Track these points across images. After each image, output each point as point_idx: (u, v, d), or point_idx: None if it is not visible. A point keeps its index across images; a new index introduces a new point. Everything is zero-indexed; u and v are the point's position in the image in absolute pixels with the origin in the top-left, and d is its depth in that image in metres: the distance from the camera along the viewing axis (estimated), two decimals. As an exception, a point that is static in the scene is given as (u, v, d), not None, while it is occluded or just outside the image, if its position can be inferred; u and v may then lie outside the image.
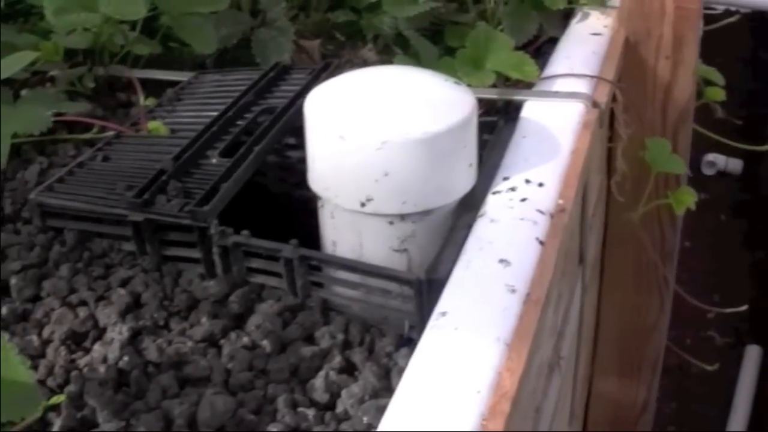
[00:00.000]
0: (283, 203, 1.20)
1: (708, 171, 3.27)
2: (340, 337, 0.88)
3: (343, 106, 0.95)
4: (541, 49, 1.39)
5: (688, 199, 1.34)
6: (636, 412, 1.82)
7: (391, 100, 0.95)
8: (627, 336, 1.71)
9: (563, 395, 1.28)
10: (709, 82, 1.57)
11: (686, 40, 1.35)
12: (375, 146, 0.89)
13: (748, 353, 2.83)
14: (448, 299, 0.83)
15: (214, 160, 1.03)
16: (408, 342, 0.88)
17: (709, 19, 1.47)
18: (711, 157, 3.24)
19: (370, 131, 0.90)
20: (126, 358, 0.83)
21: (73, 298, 0.91)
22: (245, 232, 0.93)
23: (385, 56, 1.36)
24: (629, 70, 1.37)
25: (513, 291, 0.84)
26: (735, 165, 3.35)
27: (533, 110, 1.15)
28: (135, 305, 0.91)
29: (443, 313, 0.81)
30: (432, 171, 0.92)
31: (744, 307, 1.57)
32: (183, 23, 1.26)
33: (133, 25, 1.26)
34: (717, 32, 1.69)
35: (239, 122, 1.10)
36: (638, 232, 1.48)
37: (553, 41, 1.38)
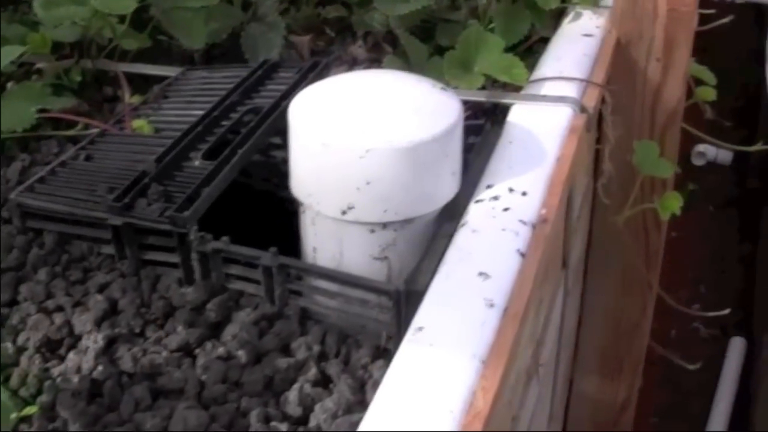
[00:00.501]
0: (266, 203, 1.19)
1: (698, 162, 3.26)
2: (317, 348, 0.87)
3: (327, 113, 0.94)
4: (532, 48, 1.38)
5: (674, 204, 1.33)
6: (616, 412, 1.82)
7: (376, 107, 0.94)
8: (609, 337, 1.71)
9: (542, 399, 1.28)
10: (700, 82, 1.56)
11: (678, 43, 1.34)
12: (358, 154, 0.89)
13: (733, 345, 2.83)
14: (425, 313, 0.83)
15: (197, 162, 1.02)
16: (384, 353, 0.88)
17: (703, 19, 1.45)
18: (701, 147, 3.22)
19: (354, 139, 0.90)
20: (100, 368, 0.83)
21: (50, 304, 0.91)
22: (225, 238, 0.92)
23: (375, 53, 1.35)
24: (619, 71, 1.36)
25: (491, 305, 0.83)
26: (725, 156, 3.34)
27: (521, 114, 1.14)
28: (112, 312, 0.90)
29: (420, 328, 0.81)
30: (415, 180, 0.91)
31: (726, 311, 1.56)
32: (173, 17, 1.25)
33: (121, 18, 1.25)
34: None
35: (224, 122, 1.09)
36: (623, 235, 1.47)
37: (545, 41, 1.37)
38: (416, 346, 0.79)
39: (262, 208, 1.19)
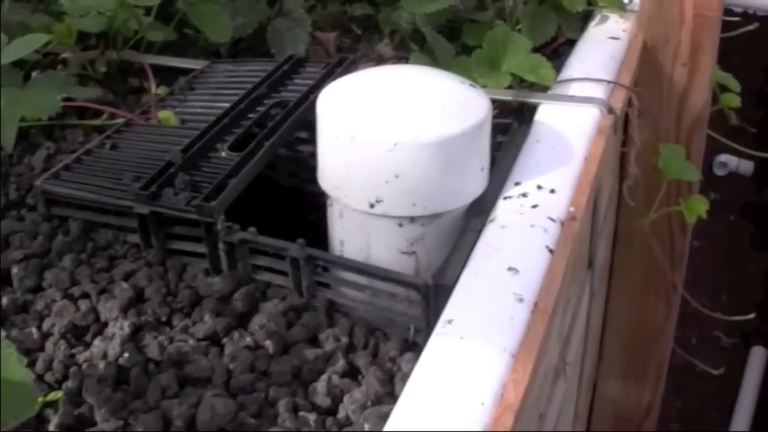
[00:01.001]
0: (292, 197, 1.19)
1: (719, 171, 3.25)
2: (345, 340, 0.87)
3: (356, 106, 0.93)
4: (558, 50, 1.38)
5: (699, 207, 1.33)
6: (640, 415, 1.81)
7: (405, 101, 0.93)
8: (633, 339, 1.70)
9: (568, 399, 1.27)
10: (725, 88, 1.56)
11: (704, 48, 1.34)
12: (387, 147, 0.88)
13: (754, 354, 2.82)
14: (454, 306, 0.82)
15: (223, 153, 1.02)
16: (413, 347, 0.87)
17: (727, 25, 1.45)
18: (723, 158, 3.21)
19: (383, 132, 0.89)
20: (126, 355, 0.82)
21: (75, 291, 0.90)
22: (252, 228, 0.92)
23: (401, 52, 1.35)
24: (645, 75, 1.36)
25: (521, 300, 0.83)
26: (746, 166, 3.33)
27: (548, 114, 1.14)
28: (137, 300, 0.90)
29: (449, 321, 0.80)
30: (443, 174, 0.91)
31: (751, 315, 1.55)
32: (199, 11, 1.24)
33: (147, 10, 1.25)
34: (735, 36, 1.67)
35: (251, 115, 1.09)
36: (648, 237, 1.46)
37: (571, 43, 1.37)
38: (446, 339, 0.78)
39: (288, 202, 1.18)
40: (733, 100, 1.56)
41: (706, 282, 2.92)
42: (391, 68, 1.04)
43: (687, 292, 1.67)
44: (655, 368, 1.75)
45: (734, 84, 1.58)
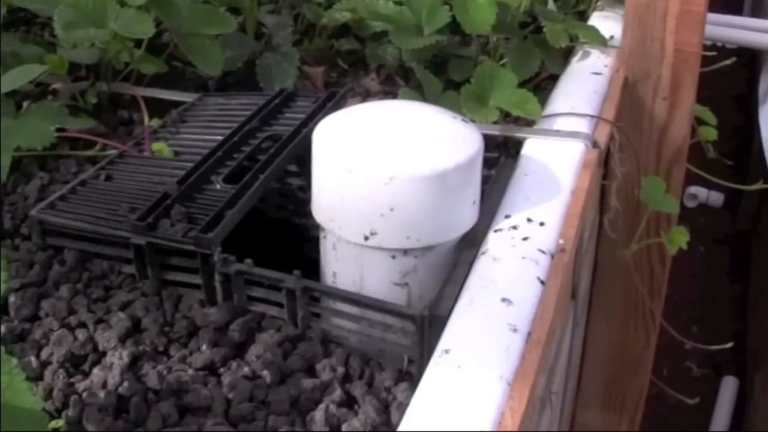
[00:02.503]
0: (280, 229, 1.20)
1: (690, 203, 3.29)
2: (341, 370, 0.88)
3: (352, 139, 0.95)
4: (541, 85, 1.40)
5: (681, 239, 1.35)
6: (617, 447, 1.83)
7: (399, 135, 0.95)
8: (612, 370, 1.72)
9: (551, 429, 1.29)
10: (701, 121, 1.58)
11: (684, 82, 1.37)
12: (383, 181, 0.90)
13: (725, 384, 2.85)
14: (451, 336, 0.84)
15: (218, 186, 1.03)
16: (407, 376, 0.89)
17: (703, 60, 1.48)
18: (693, 189, 3.26)
19: (379, 166, 0.91)
20: (126, 384, 0.83)
21: (72, 320, 0.91)
22: (248, 260, 0.93)
23: (388, 86, 1.37)
24: (626, 108, 1.39)
25: (515, 330, 0.85)
26: (716, 198, 3.37)
27: (534, 148, 1.16)
28: (135, 330, 0.91)
29: (446, 351, 0.82)
30: (438, 207, 0.92)
31: (729, 344, 1.57)
32: (191, 43, 1.26)
33: (137, 42, 1.26)
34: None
35: (244, 148, 1.10)
36: (628, 268, 1.48)
37: (554, 78, 1.39)
38: (443, 368, 0.80)
39: (276, 234, 1.20)
40: (711, 133, 1.58)
41: (678, 313, 2.95)
42: (385, 103, 1.06)
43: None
44: (633, 398, 1.77)
45: (711, 117, 1.60)
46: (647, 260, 1.55)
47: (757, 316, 2.95)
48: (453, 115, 1.02)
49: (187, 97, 1.28)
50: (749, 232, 3.44)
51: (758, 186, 1.52)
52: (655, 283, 1.57)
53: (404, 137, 0.95)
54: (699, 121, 1.57)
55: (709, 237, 3.40)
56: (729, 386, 2.84)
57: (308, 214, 1.01)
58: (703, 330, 3.12)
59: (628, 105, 1.38)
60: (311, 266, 1.04)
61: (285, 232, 1.20)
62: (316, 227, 0.99)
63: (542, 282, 0.92)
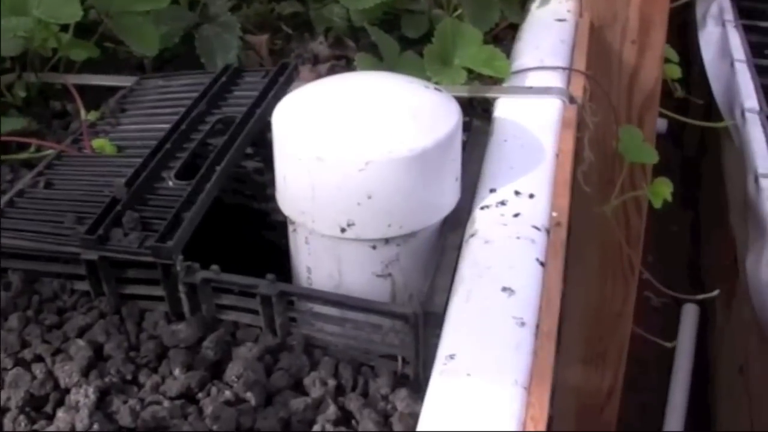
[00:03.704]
0: (238, 215, 1.11)
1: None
2: (332, 382, 0.79)
3: (318, 122, 0.86)
4: (499, 36, 1.31)
5: (665, 190, 1.28)
6: (601, 400, 1.77)
7: (370, 114, 0.86)
8: (592, 326, 1.66)
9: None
10: (665, 60, 1.51)
11: (653, 24, 1.29)
12: (357, 167, 0.81)
13: (686, 312, 2.82)
14: (453, 338, 0.75)
15: (171, 183, 0.93)
16: (404, 381, 0.80)
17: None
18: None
19: (351, 151, 0.82)
20: (96, 427, 0.74)
21: (27, 354, 0.81)
22: (215, 266, 0.84)
23: (338, 50, 1.27)
24: (594, 55, 1.30)
25: (522, 324, 0.77)
26: (661, 124, 3.33)
27: (507, 108, 1.07)
28: (97, 358, 0.81)
29: (451, 356, 0.73)
30: (419, 190, 0.84)
31: (715, 292, 1.51)
32: (122, 23, 1.15)
33: (64, 27, 1.15)
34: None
35: (194, 136, 1.00)
36: (603, 222, 1.41)
37: (513, 28, 1.30)
38: (451, 378, 0.72)
39: (234, 220, 1.10)
40: (674, 71, 1.51)
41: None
42: (347, 77, 0.96)
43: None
44: (616, 352, 1.71)
45: (673, 54, 1.53)
46: (623, 211, 1.48)
47: (712, 241, 2.92)
48: (423, 83, 0.93)
49: (124, 81, 1.17)
50: (695, 157, 3.40)
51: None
52: (632, 234, 1.50)
53: (375, 115, 0.86)
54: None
55: (657, 164, 3.36)
56: (690, 314, 2.82)
57: (268, 199, 0.92)
58: (658, 259, 3.10)
59: (595, 51, 1.30)
60: (277, 255, 0.96)
61: (243, 218, 1.11)
62: (278, 211, 0.90)
63: (542, 264, 0.84)
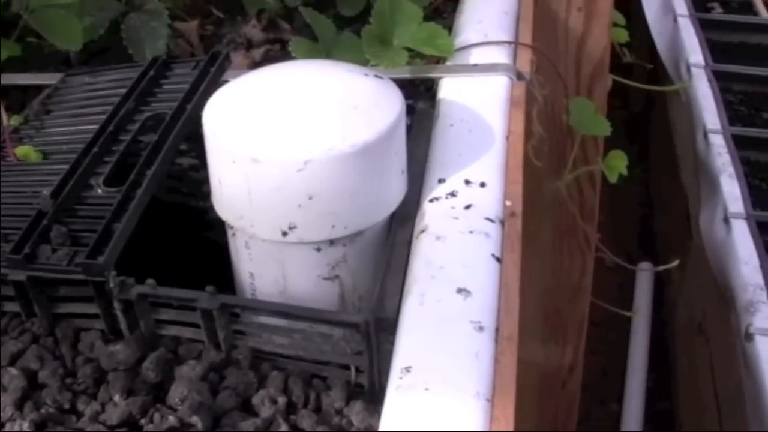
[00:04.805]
0: (175, 214, 1.05)
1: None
2: (282, 400, 0.75)
3: (251, 120, 0.81)
4: (439, 9, 1.26)
5: (620, 163, 1.24)
6: (563, 375, 1.74)
7: (307, 108, 0.81)
8: (550, 301, 1.62)
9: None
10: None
11: (599, -11, 1.24)
12: (296, 167, 0.76)
13: (641, 271, 2.81)
14: (408, 348, 0.71)
15: (100, 191, 0.87)
16: (357, 390, 0.76)
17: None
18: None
19: (288, 150, 0.77)
20: (34, 465, 0.69)
21: (-45, 388, 0.76)
22: (150, 280, 0.79)
23: (272, 32, 1.21)
24: (539, 26, 1.25)
25: (481, 329, 0.72)
26: (602, 81, 3.32)
27: (452, 89, 1.02)
28: (32, 387, 0.76)
29: (407, 369, 0.69)
30: (364, 187, 0.79)
31: (675, 262, 1.48)
32: (44, 17, 1.08)
33: (-20, 25, 1.09)
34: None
35: (123, 137, 0.94)
36: (556, 196, 1.37)
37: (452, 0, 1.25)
38: (409, 393, 0.67)
39: (171, 220, 1.05)
40: (622, 35, 1.47)
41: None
42: (281, 68, 0.90)
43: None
44: (575, 325, 1.67)
45: (619, 17, 1.49)
46: (576, 184, 1.44)
47: (662, 198, 2.91)
48: (363, 71, 0.88)
49: (49, 79, 1.10)
50: (642, 113, 3.38)
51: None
52: (586, 207, 1.47)
53: (312, 109, 0.81)
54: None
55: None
56: (644, 273, 2.81)
57: (206, 197, 0.87)
58: (610, 218, 3.07)
59: (540, 21, 1.25)
60: (219, 255, 0.90)
61: (181, 217, 1.05)
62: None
63: (498, 260, 0.79)
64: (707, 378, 1.88)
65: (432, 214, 0.84)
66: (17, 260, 0.79)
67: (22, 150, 0.94)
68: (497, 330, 0.73)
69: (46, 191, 0.86)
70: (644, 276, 2.81)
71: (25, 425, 0.71)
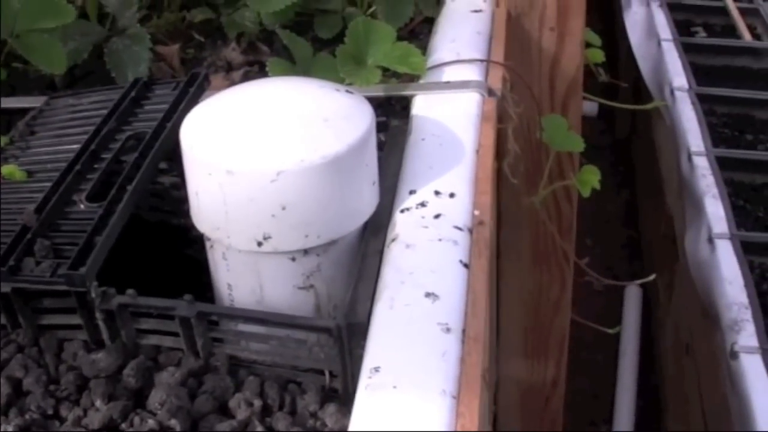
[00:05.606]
0: (158, 232, 1.08)
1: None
2: (257, 403, 0.77)
3: (227, 134, 0.83)
4: (416, 31, 1.29)
5: (593, 178, 1.27)
6: (546, 391, 1.76)
7: (279, 122, 0.84)
8: (531, 317, 1.64)
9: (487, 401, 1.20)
10: (586, 44, 1.50)
11: (572, 9, 1.28)
12: (269, 178, 0.79)
13: (629, 294, 2.83)
14: (377, 350, 0.74)
15: (82, 206, 0.90)
16: (332, 395, 0.78)
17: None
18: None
19: (261, 162, 0.80)
20: (17, 468, 0.71)
21: (-59, 396, 0.78)
22: (131, 291, 0.81)
23: (252, 55, 1.25)
24: (513, 45, 1.29)
25: (448, 330, 0.75)
26: (591, 108, 3.36)
27: (425, 105, 1.06)
28: (16, 395, 0.78)
29: (376, 369, 0.72)
30: (335, 197, 0.82)
31: (652, 276, 1.51)
32: (28, 43, 1.11)
33: (-33, 50, 1.12)
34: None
35: (105, 155, 0.97)
36: (534, 213, 1.40)
37: (429, 21, 1.29)
38: (377, 392, 0.70)
39: (154, 238, 1.07)
40: (597, 55, 1.50)
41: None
42: (255, 85, 0.93)
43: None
44: (557, 341, 1.70)
45: (595, 38, 1.53)
46: (553, 200, 1.47)
47: (648, 221, 2.93)
48: (334, 86, 0.91)
49: (34, 102, 1.13)
50: (628, 138, 3.42)
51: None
52: (564, 224, 1.49)
53: (285, 123, 0.84)
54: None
55: (588, 147, 3.37)
56: (633, 295, 2.83)
57: (187, 214, 0.90)
58: (597, 241, 3.11)
59: (513, 41, 1.28)
60: (200, 271, 0.93)
61: (163, 235, 1.08)
62: (198, 227, 0.88)
63: (465, 265, 0.82)
64: (695, 396, 1.90)
65: (403, 223, 0.87)
66: (2, 273, 0.81)
67: (7, 169, 0.97)
68: (464, 331, 0.75)
69: (30, 207, 0.88)
70: (632, 297, 2.83)
71: (10, 429, 0.74)
